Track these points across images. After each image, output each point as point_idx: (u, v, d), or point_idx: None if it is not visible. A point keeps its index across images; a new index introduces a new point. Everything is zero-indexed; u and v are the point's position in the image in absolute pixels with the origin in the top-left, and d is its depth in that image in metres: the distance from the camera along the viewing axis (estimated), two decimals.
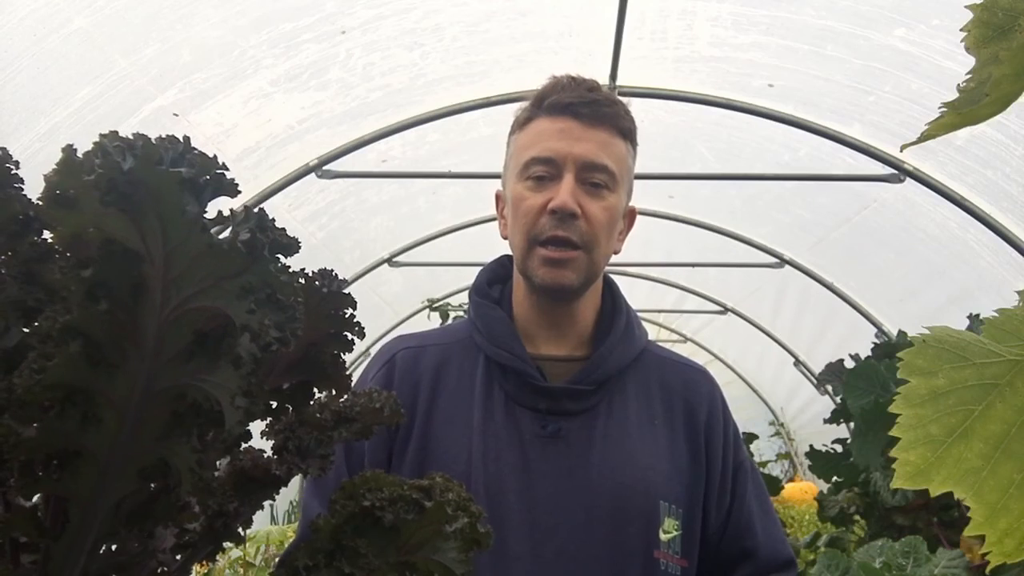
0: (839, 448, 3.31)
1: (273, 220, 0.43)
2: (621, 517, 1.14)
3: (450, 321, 6.28)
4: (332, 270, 0.55)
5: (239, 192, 0.43)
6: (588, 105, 1.16)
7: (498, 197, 1.29)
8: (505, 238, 1.26)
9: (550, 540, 1.12)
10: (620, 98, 1.23)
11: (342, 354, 0.55)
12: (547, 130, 1.17)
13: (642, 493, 1.16)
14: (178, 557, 0.52)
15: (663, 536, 1.15)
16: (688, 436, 1.23)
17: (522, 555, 1.11)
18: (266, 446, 0.55)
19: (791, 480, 8.29)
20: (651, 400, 1.24)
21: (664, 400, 1.25)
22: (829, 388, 5.01)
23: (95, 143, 0.40)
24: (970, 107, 0.43)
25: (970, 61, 0.44)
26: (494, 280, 1.32)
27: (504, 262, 1.33)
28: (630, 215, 1.28)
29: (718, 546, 1.23)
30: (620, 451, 1.18)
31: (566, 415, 1.19)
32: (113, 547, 0.49)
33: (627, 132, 1.20)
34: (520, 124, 1.23)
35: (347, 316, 0.55)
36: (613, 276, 1.34)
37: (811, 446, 3.40)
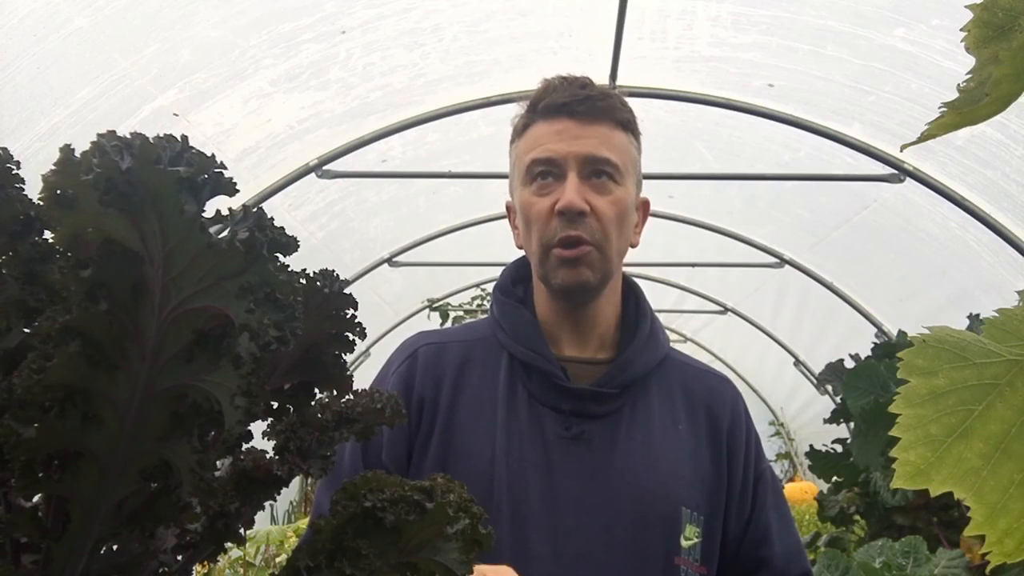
0: (839, 448, 3.31)
1: (272, 219, 0.43)
2: (643, 522, 1.13)
3: (450, 321, 6.30)
4: (333, 270, 0.55)
5: (237, 191, 0.43)
6: (583, 102, 1.15)
7: (508, 208, 1.28)
8: (520, 247, 1.25)
9: (572, 542, 1.11)
10: (614, 91, 1.22)
11: (343, 354, 0.55)
12: (545, 133, 1.16)
13: (664, 499, 1.15)
14: (179, 557, 0.52)
15: (684, 543, 1.14)
16: (711, 443, 1.22)
17: (543, 556, 1.10)
18: (268, 447, 0.55)
19: (791, 480, 8.30)
20: (674, 406, 1.23)
21: (687, 406, 1.23)
22: (829, 388, 5.01)
23: (92, 143, 0.40)
24: (970, 107, 0.43)
25: (970, 61, 0.44)
26: (518, 279, 1.30)
27: (526, 261, 1.33)
28: (643, 207, 1.26)
29: (735, 555, 1.22)
30: (643, 456, 1.16)
31: (590, 417, 1.17)
32: (114, 548, 0.49)
33: (626, 123, 1.19)
34: (518, 132, 1.22)
35: (348, 316, 0.55)
36: None
37: (811, 446, 3.41)
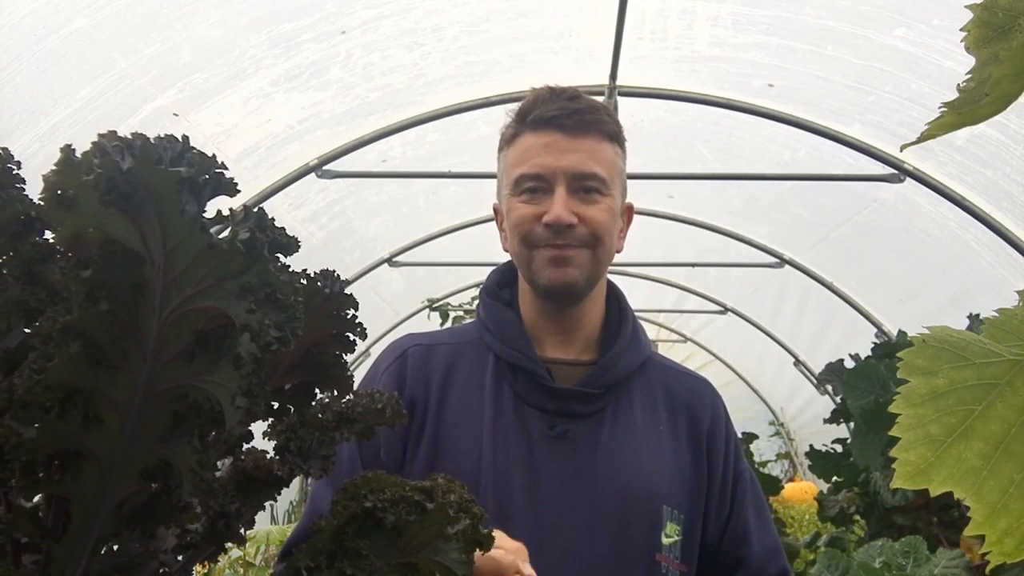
0: (839, 448, 3.31)
1: (272, 219, 0.43)
2: (625, 519, 1.16)
3: (450, 321, 6.29)
4: (334, 271, 0.55)
5: (238, 191, 0.43)
6: (571, 116, 1.17)
7: (496, 211, 1.31)
8: (507, 251, 1.27)
9: (556, 539, 1.14)
10: (602, 102, 1.25)
11: (344, 355, 0.55)
12: (534, 146, 1.18)
13: (646, 497, 1.17)
14: (180, 558, 0.52)
15: (665, 540, 1.17)
16: (691, 443, 1.25)
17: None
18: (268, 447, 0.55)
19: (791, 480, 8.29)
20: (656, 406, 1.26)
21: (668, 407, 1.26)
22: (829, 388, 5.01)
23: (93, 143, 0.40)
24: (970, 107, 0.43)
25: (970, 61, 0.44)
26: (504, 282, 1.33)
27: (513, 265, 1.35)
28: (628, 212, 1.29)
29: (715, 553, 1.25)
30: (625, 455, 1.19)
31: (574, 417, 1.20)
32: (115, 548, 0.49)
33: (613, 135, 1.21)
34: (507, 141, 1.24)
35: (349, 317, 0.55)
36: (612, 276, 1.35)
37: (811, 446, 3.41)
